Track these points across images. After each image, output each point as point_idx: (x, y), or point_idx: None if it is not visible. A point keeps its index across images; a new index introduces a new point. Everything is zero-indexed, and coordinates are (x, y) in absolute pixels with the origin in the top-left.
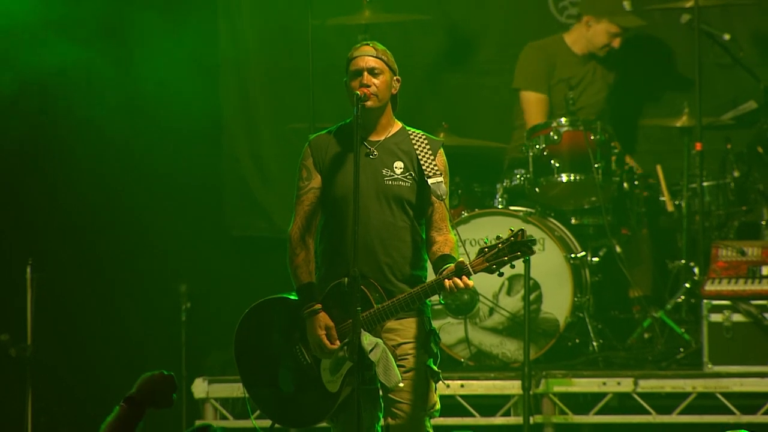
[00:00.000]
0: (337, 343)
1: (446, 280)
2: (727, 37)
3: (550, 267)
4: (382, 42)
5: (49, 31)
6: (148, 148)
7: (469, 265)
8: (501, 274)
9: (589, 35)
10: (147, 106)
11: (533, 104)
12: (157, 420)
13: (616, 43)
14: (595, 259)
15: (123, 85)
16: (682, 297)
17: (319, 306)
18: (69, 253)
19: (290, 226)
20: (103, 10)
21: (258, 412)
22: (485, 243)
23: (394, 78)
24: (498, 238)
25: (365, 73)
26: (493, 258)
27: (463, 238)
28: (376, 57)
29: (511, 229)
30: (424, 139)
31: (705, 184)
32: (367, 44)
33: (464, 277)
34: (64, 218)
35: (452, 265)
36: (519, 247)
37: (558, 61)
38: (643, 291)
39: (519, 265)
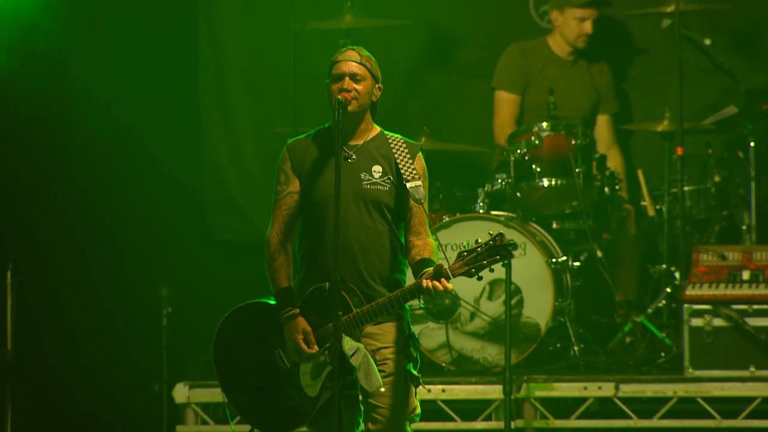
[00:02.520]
0: (315, 347)
1: (425, 282)
2: (707, 42)
3: (532, 272)
4: (364, 46)
5: (31, 32)
6: (128, 152)
7: (448, 269)
8: (480, 278)
9: (562, 30)
10: (126, 109)
11: (504, 104)
12: (137, 426)
13: (588, 27)
14: (576, 263)
15: (102, 88)
16: (663, 301)
17: (296, 311)
18: (49, 257)
19: (268, 230)
20: (82, 11)
21: (238, 418)
22: (465, 247)
23: (376, 86)
24: (477, 242)
25: (347, 78)
26: (472, 262)
27: (444, 242)
28: (359, 63)
29: (490, 233)
30: (403, 143)
31: (686, 188)
32: (353, 49)
33: (443, 280)
34: (44, 222)
35: (431, 268)
36: (498, 251)
37: (541, 63)
38: (625, 295)
39: (500, 269)
